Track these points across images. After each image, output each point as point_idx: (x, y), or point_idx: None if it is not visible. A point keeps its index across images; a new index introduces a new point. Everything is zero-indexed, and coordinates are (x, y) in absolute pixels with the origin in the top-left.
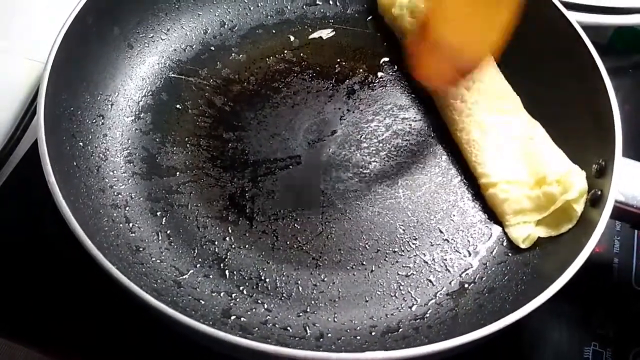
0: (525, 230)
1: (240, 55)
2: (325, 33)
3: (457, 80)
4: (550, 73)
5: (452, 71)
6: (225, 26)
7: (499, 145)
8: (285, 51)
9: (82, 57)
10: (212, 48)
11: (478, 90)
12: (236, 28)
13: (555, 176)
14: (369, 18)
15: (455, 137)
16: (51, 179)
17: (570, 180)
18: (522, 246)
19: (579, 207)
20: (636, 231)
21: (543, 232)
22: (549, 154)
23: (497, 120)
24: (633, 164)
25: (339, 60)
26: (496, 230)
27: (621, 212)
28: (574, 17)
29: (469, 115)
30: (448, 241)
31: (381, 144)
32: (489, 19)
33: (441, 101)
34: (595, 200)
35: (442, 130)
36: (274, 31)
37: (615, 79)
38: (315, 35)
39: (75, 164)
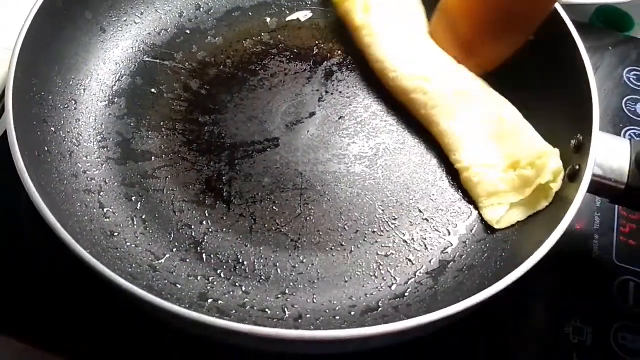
0: (499, 212)
1: (217, 38)
2: (303, 15)
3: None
4: (529, 51)
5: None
6: (201, 9)
7: (470, 131)
8: (262, 34)
9: (53, 41)
10: (188, 31)
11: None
12: (212, 11)
13: (529, 159)
14: None
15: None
16: (20, 163)
17: (543, 162)
18: (497, 227)
19: (555, 186)
20: (616, 207)
21: (522, 214)
22: (522, 136)
23: (463, 105)
24: (610, 137)
25: (316, 42)
26: (471, 208)
27: (599, 186)
28: None
29: (434, 106)
30: (427, 220)
31: (360, 125)
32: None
33: (404, 98)
34: (573, 175)
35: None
36: (250, 14)
37: (595, 56)
38: (292, 17)
39: (46, 149)
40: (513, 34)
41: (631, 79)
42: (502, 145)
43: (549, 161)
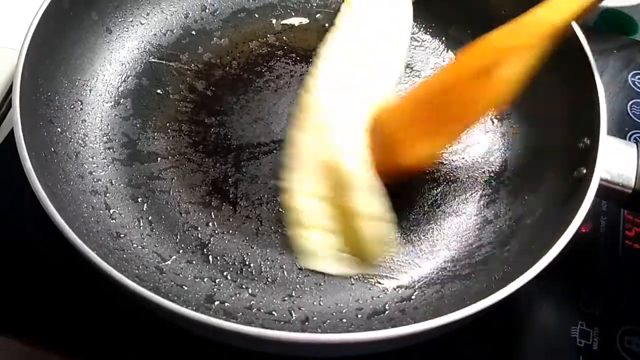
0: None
1: (222, 40)
2: (308, 17)
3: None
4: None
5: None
6: (207, 10)
7: None
8: (268, 35)
9: (59, 42)
10: (193, 32)
11: None
12: (218, 12)
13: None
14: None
15: None
16: (27, 164)
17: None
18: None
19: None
20: (622, 211)
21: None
22: None
23: None
24: (618, 142)
25: (322, 44)
26: (480, 211)
27: (606, 190)
28: None
29: None
30: (434, 223)
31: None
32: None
33: None
34: (580, 179)
35: None
36: (256, 15)
37: (600, 60)
38: (298, 19)
39: (53, 149)
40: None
41: (636, 83)
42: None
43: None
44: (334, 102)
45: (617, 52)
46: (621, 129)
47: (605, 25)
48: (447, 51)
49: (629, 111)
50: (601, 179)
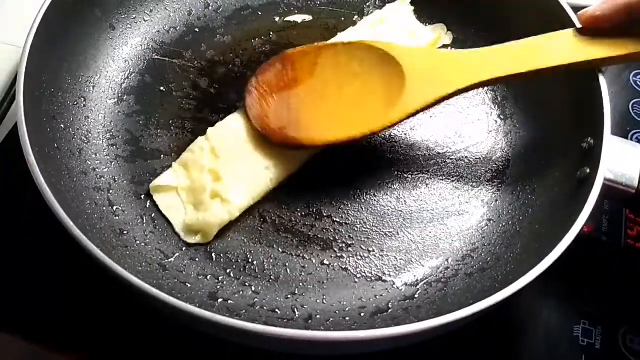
0: None
1: (225, 37)
2: (312, 14)
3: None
4: None
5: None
6: (210, 7)
7: None
8: (271, 33)
9: (63, 38)
10: (197, 30)
11: None
12: (221, 9)
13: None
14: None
15: None
16: (31, 159)
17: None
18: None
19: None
20: (624, 210)
21: None
22: None
23: None
24: (621, 141)
25: (325, 41)
26: (484, 211)
27: (609, 190)
28: None
29: None
30: (438, 222)
31: None
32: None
33: None
34: (584, 179)
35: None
36: (259, 12)
37: None
38: (301, 16)
39: (56, 146)
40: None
41: (638, 82)
42: None
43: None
44: None
45: None
46: (623, 129)
47: None
48: (451, 50)
49: (630, 111)
50: (605, 179)
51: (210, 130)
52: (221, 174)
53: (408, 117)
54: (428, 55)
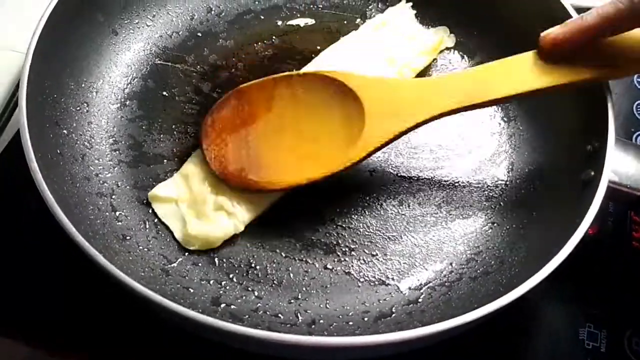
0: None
1: (228, 42)
2: (314, 18)
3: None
4: None
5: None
6: (212, 12)
7: None
8: (274, 37)
9: (65, 44)
10: (199, 34)
11: None
12: (223, 14)
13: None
14: (357, 4)
15: None
16: (33, 165)
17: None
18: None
19: None
20: (629, 212)
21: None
22: None
23: None
24: (626, 143)
25: (328, 45)
26: (488, 215)
27: (614, 193)
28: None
29: None
30: (442, 225)
31: None
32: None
33: None
34: (588, 182)
35: None
36: (262, 17)
37: None
38: (304, 20)
39: (59, 151)
40: None
41: None
42: None
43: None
44: None
45: None
46: (627, 130)
47: None
48: (453, 52)
49: (635, 112)
50: (609, 182)
51: None
52: (225, 185)
53: (368, 156)
54: (387, 85)
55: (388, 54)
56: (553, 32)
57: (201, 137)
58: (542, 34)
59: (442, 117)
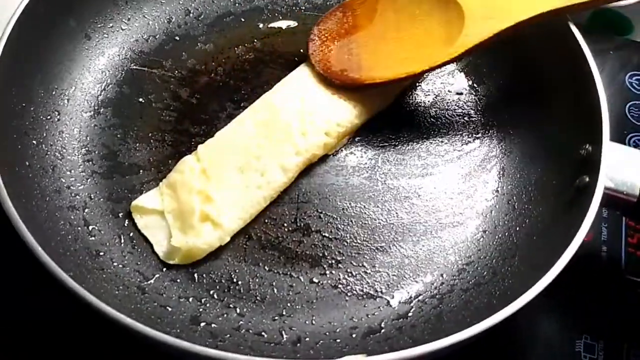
0: None
1: (207, 45)
2: (297, 20)
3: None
4: (531, 55)
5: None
6: (191, 14)
7: None
8: (255, 40)
9: (35, 50)
10: (177, 38)
11: None
12: (202, 16)
13: None
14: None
15: None
16: None
17: None
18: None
19: None
20: (624, 218)
21: None
22: None
23: None
24: (620, 147)
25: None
26: (479, 222)
27: (609, 199)
28: None
29: None
30: (432, 236)
31: (358, 137)
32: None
33: None
34: (583, 188)
35: (419, 116)
36: (242, 19)
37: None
38: (286, 22)
39: (27, 163)
40: None
41: (634, 84)
42: None
43: None
44: None
45: (613, 53)
46: (620, 132)
47: (597, 25)
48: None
49: (627, 113)
50: (605, 188)
51: (201, 148)
52: (212, 196)
53: (467, 53)
54: None
55: None
56: None
57: (308, 44)
58: None
59: (544, 19)
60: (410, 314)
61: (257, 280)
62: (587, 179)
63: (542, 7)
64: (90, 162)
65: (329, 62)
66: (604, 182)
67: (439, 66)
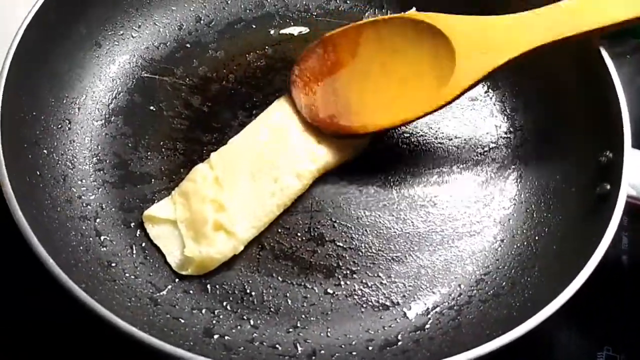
0: None
1: (218, 52)
2: (308, 26)
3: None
4: (548, 59)
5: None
6: (202, 21)
7: None
8: (266, 47)
9: (45, 58)
10: (188, 45)
11: None
12: (213, 23)
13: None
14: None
15: None
16: (8, 190)
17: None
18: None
19: None
20: None
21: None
22: None
23: None
24: None
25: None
26: (496, 231)
27: (632, 208)
28: None
29: None
30: (449, 245)
31: (372, 144)
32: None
33: None
34: (604, 196)
35: (434, 122)
36: (253, 26)
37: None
38: (298, 29)
39: (38, 173)
40: None
41: None
42: None
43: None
44: None
45: (630, 57)
46: (637, 139)
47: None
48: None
49: None
50: (628, 196)
51: (213, 156)
52: (226, 205)
53: (462, 93)
54: (476, 23)
55: None
56: None
57: (289, 87)
58: None
59: (535, 53)
60: (427, 326)
61: (270, 291)
62: (609, 187)
63: (536, 41)
64: (102, 172)
65: (315, 107)
66: (626, 189)
67: (434, 111)
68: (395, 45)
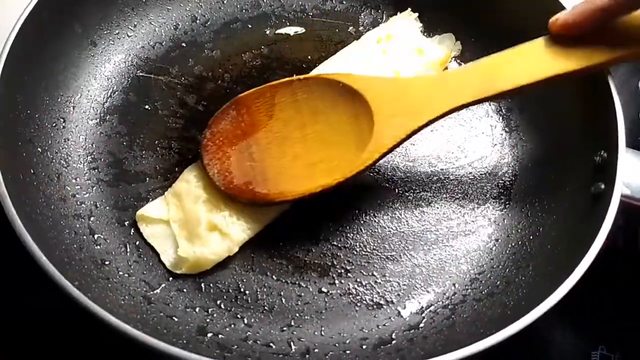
0: None
1: (214, 52)
2: (304, 26)
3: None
4: None
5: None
6: (197, 21)
7: None
8: (262, 46)
9: (40, 56)
10: (184, 44)
11: None
12: (209, 23)
13: None
14: (349, 12)
15: None
16: (1, 188)
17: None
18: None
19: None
20: None
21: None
22: None
23: None
24: (636, 154)
25: (318, 54)
26: (491, 231)
27: (626, 207)
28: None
29: None
30: (443, 245)
31: None
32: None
33: None
34: (598, 195)
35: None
36: (249, 25)
37: None
38: (293, 29)
39: (32, 171)
40: None
41: None
42: None
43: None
44: None
45: None
46: (634, 139)
47: None
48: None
49: None
50: (622, 195)
51: None
52: (221, 205)
53: (382, 157)
54: (394, 85)
55: (396, 67)
56: (562, 17)
57: (201, 152)
58: (551, 19)
59: (454, 112)
60: (421, 325)
61: (265, 289)
62: (603, 187)
63: (453, 102)
64: (96, 170)
65: (229, 174)
66: (620, 189)
67: (353, 176)
68: (313, 105)
